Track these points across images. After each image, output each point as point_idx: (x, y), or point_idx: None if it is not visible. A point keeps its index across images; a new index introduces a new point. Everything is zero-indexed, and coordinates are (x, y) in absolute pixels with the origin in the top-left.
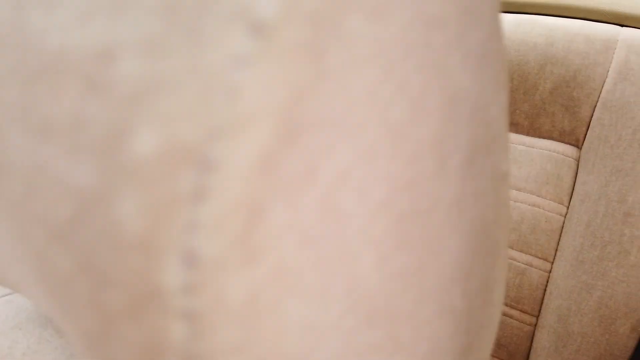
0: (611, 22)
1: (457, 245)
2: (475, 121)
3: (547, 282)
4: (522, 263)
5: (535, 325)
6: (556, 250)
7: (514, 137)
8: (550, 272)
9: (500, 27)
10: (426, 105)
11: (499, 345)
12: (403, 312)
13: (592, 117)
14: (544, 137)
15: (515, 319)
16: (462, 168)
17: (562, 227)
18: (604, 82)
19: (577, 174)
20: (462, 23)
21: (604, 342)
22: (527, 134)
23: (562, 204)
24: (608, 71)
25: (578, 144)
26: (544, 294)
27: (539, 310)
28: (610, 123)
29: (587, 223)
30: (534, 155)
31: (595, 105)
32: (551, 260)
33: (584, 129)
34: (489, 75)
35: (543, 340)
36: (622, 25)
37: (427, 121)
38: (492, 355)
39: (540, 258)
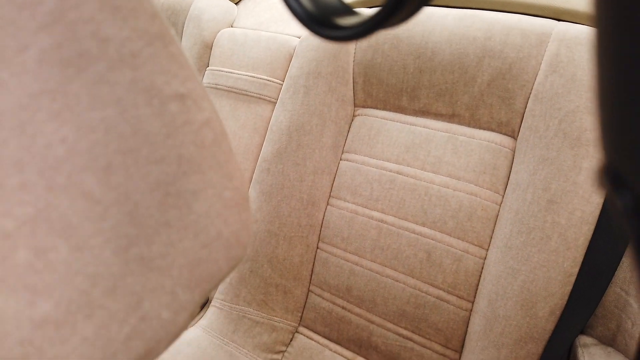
0: (548, 16)
1: (73, 136)
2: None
3: (482, 268)
4: (459, 250)
5: (471, 310)
6: (491, 237)
7: (455, 128)
8: (485, 258)
9: None
10: None
11: (437, 329)
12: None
13: (525, 108)
14: (483, 128)
15: (452, 304)
16: (44, 68)
17: (497, 215)
18: (537, 74)
19: (512, 163)
20: None
21: (525, 325)
22: (468, 125)
23: (498, 192)
24: (540, 64)
25: (514, 135)
26: (479, 280)
27: (474, 296)
28: (540, 114)
29: (516, 210)
30: (474, 145)
31: (529, 97)
32: (486, 247)
33: (519, 120)
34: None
35: (475, 324)
36: (558, 20)
37: None
38: (430, 340)
39: (476, 245)
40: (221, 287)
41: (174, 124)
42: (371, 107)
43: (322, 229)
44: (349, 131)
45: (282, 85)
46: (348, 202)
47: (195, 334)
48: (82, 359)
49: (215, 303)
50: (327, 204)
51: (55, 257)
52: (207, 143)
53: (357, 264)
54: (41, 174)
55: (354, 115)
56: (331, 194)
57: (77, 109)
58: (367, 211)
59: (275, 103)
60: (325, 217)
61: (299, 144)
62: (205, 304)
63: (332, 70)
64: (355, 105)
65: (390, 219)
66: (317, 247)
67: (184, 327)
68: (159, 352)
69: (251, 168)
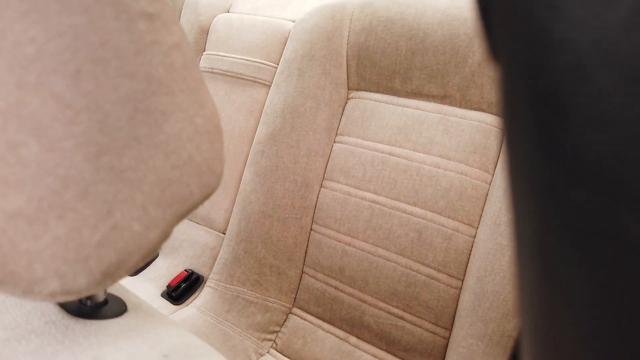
0: None
1: (42, 37)
2: None
3: (472, 246)
4: (450, 229)
5: (461, 288)
6: (480, 216)
7: (447, 109)
8: (474, 237)
9: None
10: None
11: (427, 307)
12: None
13: None
14: (474, 109)
15: (442, 283)
16: None
17: (487, 193)
18: None
19: (502, 143)
20: None
21: (512, 299)
22: (459, 106)
23: (488, 172)
24: None
25: None
26: (469, 258)
27: (464, 274)
28: None
29: (505, 188)
30: (465, 126)
31: None
32: (476, 225)
33: None
34: None
35: (465, 301)
36: None
37: None
38: (421, 318)
39: (466, 224)
40: (216, 268)
41: (143, 42)
42: (364, 90)
43: (316, 210)
44: (342, 114)
45: (276, 68)
46: (341, 183)
47: (189, 313)
48: (55, 258)
49: (209, 283)
50: (321, 186)
51: (26, 154)
52: (176, 66)
53: (349, 245)
54: (11, 70)
55: (347, 98)
56: (325, 176)
57: (46, 11)
58: (359, 192)
59: (270, 86)
60: (318, 199)
61: (293, 126)
62: (200, 284)
63: (326, 53)
64: (348, 88)
65: (382, 199)
66: (311, 229)
67: (156, 245)
68: (131, 264)
69: (246, 150)
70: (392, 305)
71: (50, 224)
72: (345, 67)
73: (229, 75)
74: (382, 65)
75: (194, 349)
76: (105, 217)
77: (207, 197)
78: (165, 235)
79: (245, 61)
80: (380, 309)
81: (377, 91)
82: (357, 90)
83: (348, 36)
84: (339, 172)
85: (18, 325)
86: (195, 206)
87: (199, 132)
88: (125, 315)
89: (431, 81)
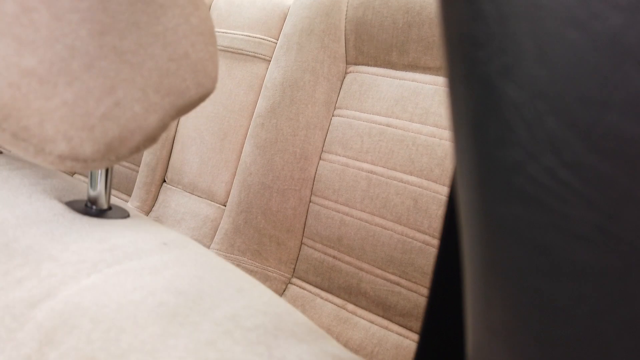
0: None
1: None
2: None
3: None
4: (445, 196)
5: None
6: None
7: (442, 80)
8: None
9: None
10: None
11: (423, 273)
12: None
13: None
14: None
15: (437, 249)
16: None
17: None
18: None
19: None
20: None
21: None
22: None
23: None
24: None
25: None
26: None
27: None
28: None
29: None
30: None
31: None
32: None
33: None
34: None
35: None
36: None
37: None
38: (416, 283)
39: None
40: (217, 238)
41: None
42: (362, 64)
43: (315, 182)
44: (340, 88)
45: (276, 43)
46: (339, 155)
47: None
48: (63, 121)
49: None
50: (320, 158)
51: (38, 18)
52: None
53: (347, 215)
54: None
55: (345, 72)
56: (323, 148)
57: None
58: (357, 163)
59: (270, 61)
60: (317, 171)
61: (292, 99)
62: None
63: (325, 28)
64: (347, 63)
65: (379, 169)
66: (310, 200)
67: (155, 130)
68: (132, 144)
69: (246, 124)
70: (388, 272)
71: (60, 88)
72: (344, 41)
73: (229, 51)
74: (379, 38)
75: (191, 242)
76: (109, 92)
77: (202, 97)
78: (163, 124)
79: (246, 37)
80: (377, 276)
81: (374, 65)
82: (356, 64)
83: (346, 11)
84: (337, 144)
85: (28, 216)
86: (191, 103)
87: (194, 32)
88: (128, 219)
89: (427, 53)
